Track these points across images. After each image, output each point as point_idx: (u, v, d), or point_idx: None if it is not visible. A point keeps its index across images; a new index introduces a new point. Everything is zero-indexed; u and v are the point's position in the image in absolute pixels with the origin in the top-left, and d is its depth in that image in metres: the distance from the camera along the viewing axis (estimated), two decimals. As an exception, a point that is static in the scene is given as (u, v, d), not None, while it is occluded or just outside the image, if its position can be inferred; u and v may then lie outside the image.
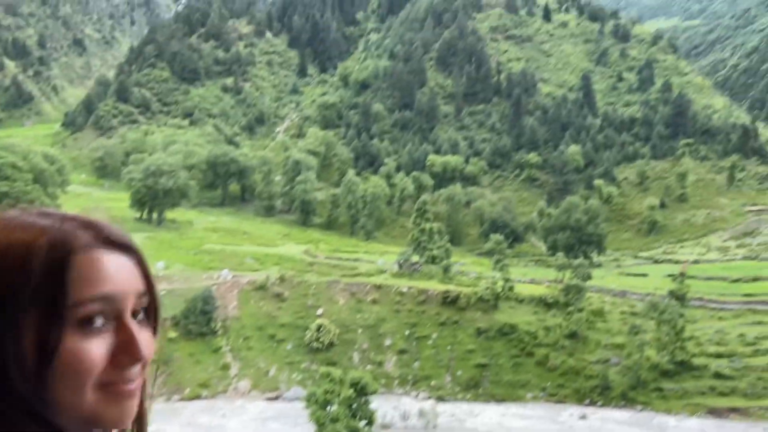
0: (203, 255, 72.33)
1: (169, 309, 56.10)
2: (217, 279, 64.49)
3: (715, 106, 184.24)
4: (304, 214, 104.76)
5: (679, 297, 64.30)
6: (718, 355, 54.35)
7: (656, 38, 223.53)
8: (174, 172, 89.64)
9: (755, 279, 76.64)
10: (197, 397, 52.66)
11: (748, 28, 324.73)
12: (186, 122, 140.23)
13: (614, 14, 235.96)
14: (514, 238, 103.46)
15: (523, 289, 66.37)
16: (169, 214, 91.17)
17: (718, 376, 51.04)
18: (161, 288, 59.73)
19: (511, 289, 64.12)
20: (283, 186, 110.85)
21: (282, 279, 64.33)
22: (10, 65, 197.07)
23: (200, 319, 57.92)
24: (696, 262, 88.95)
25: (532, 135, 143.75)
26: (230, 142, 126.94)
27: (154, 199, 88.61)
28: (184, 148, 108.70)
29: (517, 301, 63.99)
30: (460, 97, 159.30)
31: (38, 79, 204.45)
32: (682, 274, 76.77)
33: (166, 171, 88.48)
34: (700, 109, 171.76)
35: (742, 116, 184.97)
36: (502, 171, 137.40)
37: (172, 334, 55.82)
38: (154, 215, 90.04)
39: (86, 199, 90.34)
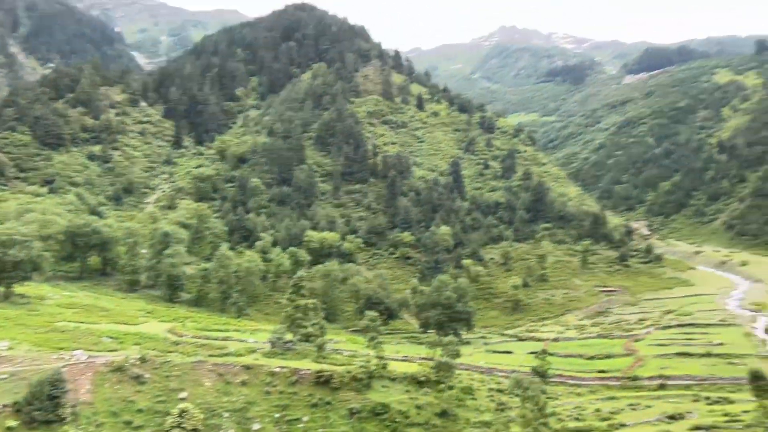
0: (55, 334, 66.27)
1: (9, 395, 50.42)
2: (69, 360, 59.01)
3: (570, 194, 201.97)
4: (171, 289, 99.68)
5: (541, 374, 67.39)
6: (578, 431, 57.01)
7: (517, 131, 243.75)
8: (27, 243, 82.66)
9: (608, 356, 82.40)
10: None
11: (596, 126, 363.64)
12: (45, 190, 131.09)
13: (481, 107, 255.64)
14: (389, 314, 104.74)
15: (397, 367, 66.65)
16: (19, 289, 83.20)
17: (577, 450, 53.34)
18: (3, 371, 53.88)
19: (384, 367, 64.19)
20: (149, 259, 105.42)
21: (143, 360, 60.04)
22: None
23: (47, 405, 52.33)
24: (556, 339, 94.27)
25: (406, 215, 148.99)
26: (94, 212, 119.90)
27: (1, 272, 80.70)
28: (41, 216, 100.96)
29: (390, 379, 64.02)
30: (338, 175, 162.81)
31: None
32: (544, 351, 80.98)
33: (17, 241, 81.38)
34: (556, 197, 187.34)
35: (592, 204, 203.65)
36: (377, 248, 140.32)
37: (12, 422, 49.88)
38: (1, 289, 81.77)
39: None
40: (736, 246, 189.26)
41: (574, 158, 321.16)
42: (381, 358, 64.72)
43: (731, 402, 62.10)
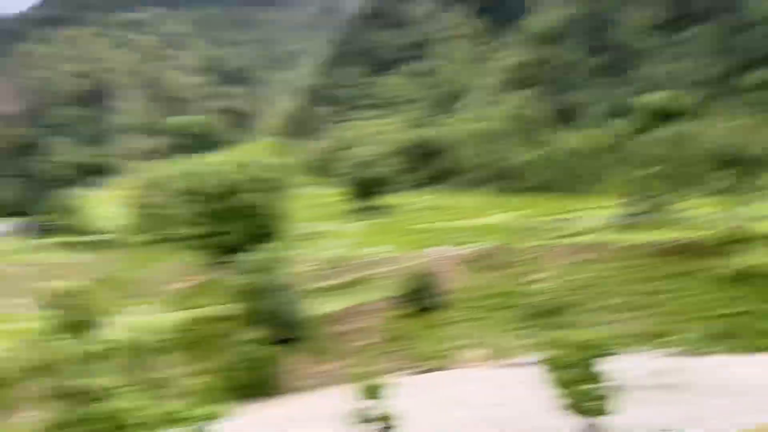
0: (418, 235, 75.32)
1: (396, 288, 59.61)
2: (436, 255, 66.75)
3: None
4: (509, 180, 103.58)
5: None
6: None
7: None
8: (379, 161, 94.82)
9: None
10: (430, 370, 54.53)
11: None
12: (381, 112, 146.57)
13: None
14: (749, 171, 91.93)
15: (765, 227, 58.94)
16: (382, 200, 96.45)
17: None
18: (391, 269, 63.77)
19: (751, 229, 57.37)
20: (481, 157, 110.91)
21: (498, 248, 64.67)
22: (228, 90, 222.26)
23: (425, 295, 60.51)
24: None
25: (748, 54, 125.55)
26: (426, 125, 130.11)
27: (365, 188, 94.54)
28: (388, 137, 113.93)
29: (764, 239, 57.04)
30: (661, 28, 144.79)
31: (252, 99, 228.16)
32: None
33: (371, 161, 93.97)
34: None
35: None
36: (723, 98, 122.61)
37: (402, 311, 59.13)
38: (369, 202, 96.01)
39: (310, 198, 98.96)
40: None
41: None
42: (745, 219, 57.78)
43: None
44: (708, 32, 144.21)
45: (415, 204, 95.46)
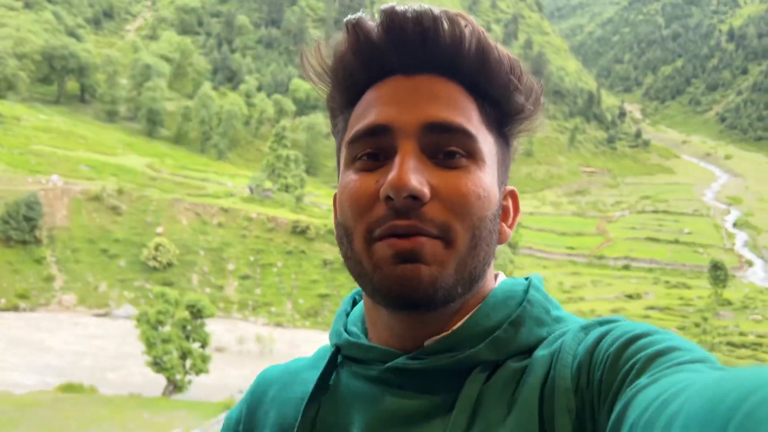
0: (30, 156, 65.24)
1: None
2: (45, 184, 58.65)
3: (568, 69, 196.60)
4: (151, 124, 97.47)
5: (512, 244, 68.71)
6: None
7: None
8: (1, 59, 78.99)
9: (579, 234, 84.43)
10: (14, 308, 48.55)
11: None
12: (20, 4, 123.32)
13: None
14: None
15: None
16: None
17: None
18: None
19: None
20: (129, 90, 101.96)
21: (120, 191, 59.93)
22: None
23: (23, 226, 52.66)
24: (531, 213, 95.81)
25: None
26: (71, 34, 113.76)
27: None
28: (15, 33, 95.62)
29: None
30: (331, 23, 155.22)
31: None
32: (518, 224, 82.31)
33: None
34: (554, 70, 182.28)
35: (590, 82, 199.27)
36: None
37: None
38: (-27, 105, 79.24)
39: None
40: (725, 139, 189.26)
41: (578, 30, 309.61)
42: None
43: (688, 287, 64.75)
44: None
45: (37, 121, 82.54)
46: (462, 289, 0.68)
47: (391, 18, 0.69)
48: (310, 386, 0.76)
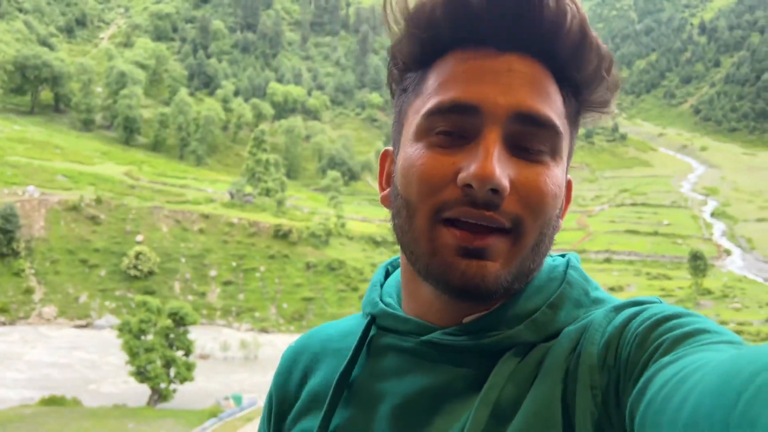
0: (5, 168, 64.27)
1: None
2: (22, 195, 57.88)
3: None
4: (127, 132, 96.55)
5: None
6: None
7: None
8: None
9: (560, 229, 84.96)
10: (-8, 323, 47.80)
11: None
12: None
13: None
14: (351, 176, 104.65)
15: (355, 227, 67.54)
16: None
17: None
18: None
19: (343, 225, 64.95)
20: (104, 99, 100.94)
21: (98, 201, 59.30)
22: None
23: (0, 238, 51.91)
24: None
25: (376, 74, 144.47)
26: (44, 43, 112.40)
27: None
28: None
29: (348, 238, 65.11)
30: (306, 25, 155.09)
31: None
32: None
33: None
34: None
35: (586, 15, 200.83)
36: (344, 108, 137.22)
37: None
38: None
39: None
40: (700, 131, 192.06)
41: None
42: (340, 216, 65.25)
43: (669, 278, 65.58)
44: (348, 44, 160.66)
45: (11, 132, 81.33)
46: (519, 284, 0.68)
47: None
48: (345, 354, 0.76)
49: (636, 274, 67.32)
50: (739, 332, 49.07)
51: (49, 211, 57.42)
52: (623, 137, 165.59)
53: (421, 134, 0.67)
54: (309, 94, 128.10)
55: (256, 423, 24.55)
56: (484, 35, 0.66)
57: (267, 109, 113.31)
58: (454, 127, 0.65)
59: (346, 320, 0.85)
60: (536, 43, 0.66)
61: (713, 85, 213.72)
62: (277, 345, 47.67)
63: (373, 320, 0.76)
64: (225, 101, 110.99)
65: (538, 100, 0.66)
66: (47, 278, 52.98)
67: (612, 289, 61.98)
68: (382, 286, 0.82)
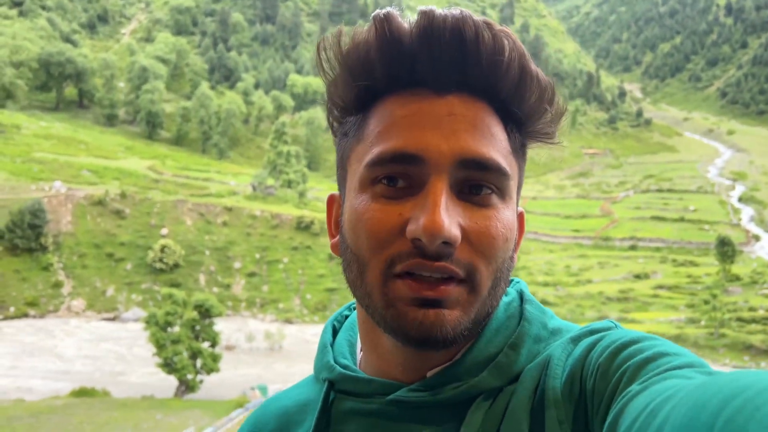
0: (32, 164, 65.38)
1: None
2: (49, 191, 58.83)
3: (566, 51, 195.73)
4: (150, 126, 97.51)
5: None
6: (545, 284, 59.38)
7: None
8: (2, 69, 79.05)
9: (584, 216, 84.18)
10: (24, 316, 48.80)
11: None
12: (14, 12, 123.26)
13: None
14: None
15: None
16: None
17: (544, 302, 55.68)
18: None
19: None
20: (127, 94, 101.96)
21: (123, 195, 60.05)
22: None
23: (28, 234, 52.87)
24: (535, 198, 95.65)
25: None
26: (67, 39, 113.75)
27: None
28: (11, 41, 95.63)
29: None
30: (325, 16, 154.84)
31: None
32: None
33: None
34: (552, 53, 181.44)
35: (588, 63, 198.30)
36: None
37: (-4, 249, 50.66)
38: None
39: None
40: (727, 114, 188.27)
41: (575, 11, 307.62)
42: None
43: (696, 265, 64.54)
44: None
45: (38, 129, 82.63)
46: (479, 327, 0.66)
47: (429, 23, 0.62)
48: (307, 429, 0.72)
49: (662, 261, 66.39)
50: (769, 319, 48.17)
51: (76, 206, 58.28)
52: (648, 122, 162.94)
53: (365, 184, 0.65)
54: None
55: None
56: (421, 77, 0.64)
57: (287, 100, 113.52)
58: (398, 176, 0.63)
59: (299, 387, 0.81)
60: (475, 82, 0.64)
61: (740, 67, 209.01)
62: (302, 335, 47.99)
63: (330, 386, 0.72)
64: (246, 94, 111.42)
65: (483, 143, 0.64)
66: (75, 272, 53.83)
67: (637, 276, 61.21)
68: (332, 345, 0.78)
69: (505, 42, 0.63)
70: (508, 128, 0.67)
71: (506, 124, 0.67)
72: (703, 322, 48.61)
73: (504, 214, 0.64)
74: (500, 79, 0.64)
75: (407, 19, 0.63)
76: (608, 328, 0.64)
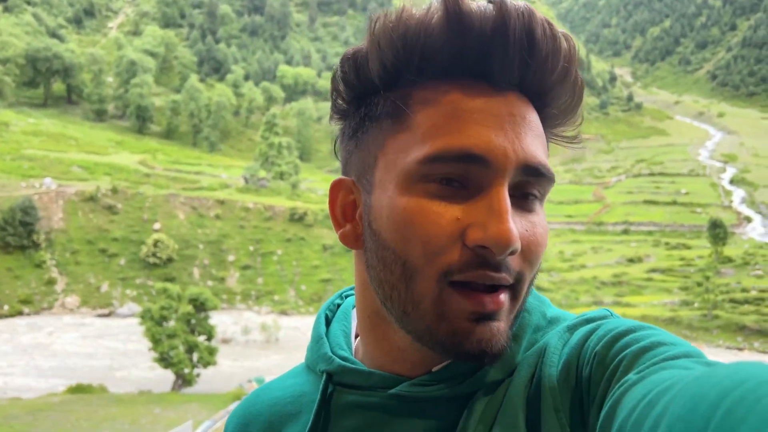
0: (22, 161, 64.87)
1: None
2: (39, 188, 58.42)
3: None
4: (140, 120, 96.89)
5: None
6: (539, 270, 59.50)
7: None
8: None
9: (576, 202, 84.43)
10: (18, 314, 48.60)
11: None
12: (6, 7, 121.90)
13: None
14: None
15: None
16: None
17: (538, 288, 55.70)
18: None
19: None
20: (116, 88, 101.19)
21: (114, 190, 59.73)
22: None
23: (20, 231, 52.56)
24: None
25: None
26: (53, 35, 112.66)
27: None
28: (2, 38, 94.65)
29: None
30: (314, 6, 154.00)
31: None
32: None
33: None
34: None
35: (579, 48, 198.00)
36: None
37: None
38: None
39: None
40: (717, 97, 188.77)
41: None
42: (354, 196, 65.13)
43: (689, 248, 64.93)
44: (356, 23, 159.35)
45: (26, 126, 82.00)
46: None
47: (503, 16, 0.58)
48: (303, 420, 0.70)
49: (655, 245, 66.75)
50: (761, 300, 48.55)
51: (67, 202, 57.96)
52: (638, 106, 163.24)
53: (413, 180, 0.60)
54: (319, 75, 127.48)
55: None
56: (486, 69, 0.61)
57: (277, 92, 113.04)
58: (456, 176, 0.59)
59: (290, 377, 0.78)
60: (533, 83, 0.62)
61: (730, 49, 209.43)
62: (298, 327, 48.05)
63: (329, 378, 0.70)
64: (235, 86, 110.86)
65: (542, 151, 0.62)
66: (68, 269, 53.63)
67: (631, 260, 61.53)
68: (326, 335, 0.75)
69: (564, 45, 0.61)
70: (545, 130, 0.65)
71: (544, 127, 0.65)
72: (696, 304, 48.97)
73: (544, 221, 0.64)
74: (555, 84, 0.62)
75: (478, 6, 0.59)
76: (604, 317, 0.64)
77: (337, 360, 0.69)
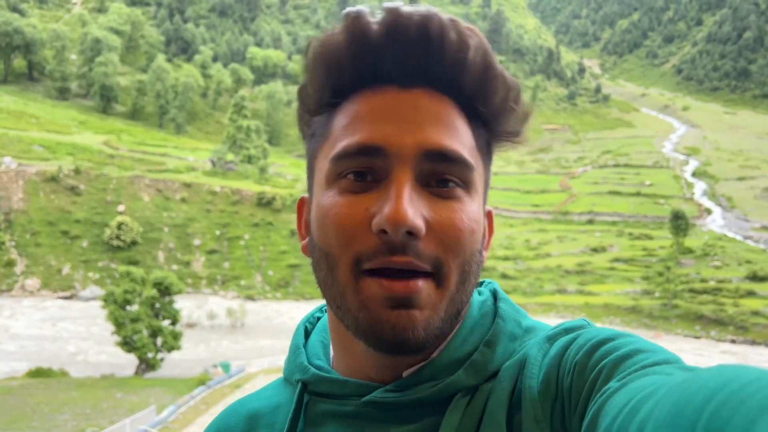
0: (-21, 139, 62.91)
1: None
2: (-1, 167, 56.83)
3: (527, 26, 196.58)
4: (105, 100, 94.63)
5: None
6: (506, 258, 60.32)
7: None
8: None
9: (543, 191, 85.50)
10: (-27, 297, 47.36)
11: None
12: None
13: None
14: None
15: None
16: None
17: (503, 276, 56.86)
18: None
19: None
20: (79, 66, 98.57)
21: (77, 171, 58.38)
22: None
23: (-24, 213, 51.05)
24: (496, 173, 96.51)
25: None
26: (14, 9, 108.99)
27: None
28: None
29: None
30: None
31: None
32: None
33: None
34: (513, 28, 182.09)
35: (549, 39, 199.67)
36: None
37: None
38: None
39: None
40: (682, 90, 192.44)
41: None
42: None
43: (651, 238, 66.38)
44: (328, 5, 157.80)
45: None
46: (450, 327, 0.65)
47: (395, 19, 0.62)
48: (279, 429, 0.71)
49: (618, 235, 68.06)
50: (718, 290, 49.96)
51: (27, 182, 56.50)
52: (606, 98, 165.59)
53: (331, 180, 0.65)
54: (289, 58, 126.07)
55: (245, 390, 24.74)
56: (387, 73, 0.64)
57: (246, 74, 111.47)
58: (363, 168, 0.63)
59: (268, 390, 0.78)
60: (440, 78, 0.64)
61: (695, 44, 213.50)
62: (264, 312, 47.82)
63: (304, 387, 0.71)
64: (203, 67, 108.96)
65: (446, 136, 0.64)
66: (28, 250, 52.40)
67: (595, 250, 62.66)
68: (304, 347, 0.76)
69: (470, 40, 0.63)
70: (473, 125, 0.67)
71: (472, 121, 0.67)
72: (657, 294, 50.16)
73: (469, 207, 0.64)
74: (464, 76, 0.64)
75: (377, 17, 0.63)
76: (582, 327, 0.65)
77: (312, 369, 0.70)
